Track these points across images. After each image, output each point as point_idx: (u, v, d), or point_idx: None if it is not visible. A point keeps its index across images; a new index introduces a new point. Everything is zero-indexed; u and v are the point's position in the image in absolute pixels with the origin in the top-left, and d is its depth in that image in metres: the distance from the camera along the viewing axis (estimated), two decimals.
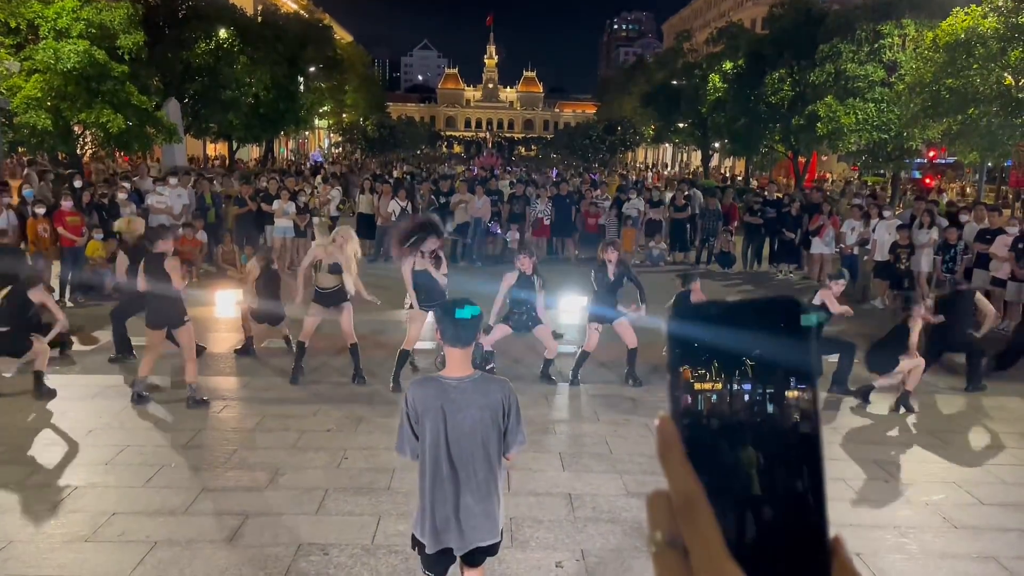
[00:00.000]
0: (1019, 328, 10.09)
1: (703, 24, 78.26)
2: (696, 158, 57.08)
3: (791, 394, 0.53)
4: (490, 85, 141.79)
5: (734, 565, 0.50)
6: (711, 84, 34.19)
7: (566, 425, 7.55)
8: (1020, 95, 18.51)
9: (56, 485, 5.87)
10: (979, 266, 12.11)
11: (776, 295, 0.55)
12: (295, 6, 56.73)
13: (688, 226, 18.42)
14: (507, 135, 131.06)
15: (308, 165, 41.65)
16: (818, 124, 24.51)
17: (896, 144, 24.72)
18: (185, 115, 28.19)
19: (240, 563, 4.85)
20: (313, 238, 14.04)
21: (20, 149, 22.35)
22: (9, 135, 18.79)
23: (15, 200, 12.57)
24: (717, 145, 42.33)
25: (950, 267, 12.62)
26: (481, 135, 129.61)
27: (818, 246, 15.40)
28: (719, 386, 0.54)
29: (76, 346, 9.51)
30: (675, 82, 44.33)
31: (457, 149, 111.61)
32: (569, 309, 10.77)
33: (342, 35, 66.27)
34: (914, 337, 8.07)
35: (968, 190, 37.37)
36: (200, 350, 9.08)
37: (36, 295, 7.84)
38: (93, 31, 19.38)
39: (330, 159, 48.99)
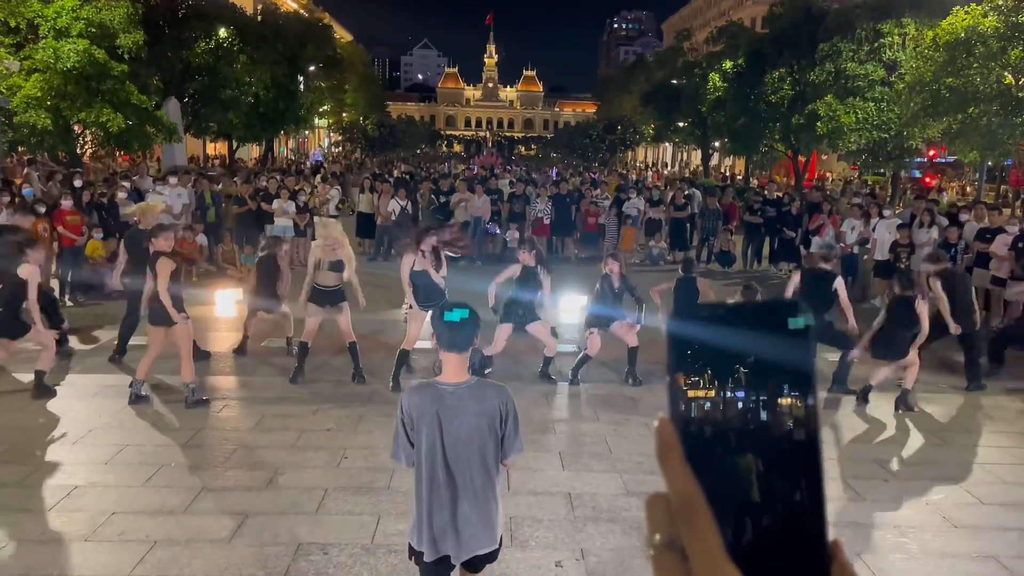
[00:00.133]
0: (1006, 328, 10.10)
1: (703, 23, 78.25)
2: (696, 157, 57.08)
3: (785, 401, 0.52)
4: (490, 84, 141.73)
5: (733, 568, 0.50)
6: (711, 83, 34.18)
7: (566, 424, 7.55)
8: (1020, 94, 18.50)
9: (56, 484, 5.87)
10: (979, 265, 12.11)
11: (774, 298, 0.55)
12: (295, 5, 56.74)
13: (688, 225, 18.42)
14: (507, 134, 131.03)
15: (308, 164, 41.66)
16: (818, 123, 24.50)
17: (896, 143, 24.72)
18: (185, 114, 28.18)
19: (240, 562, 4.85)
20: (313, 238, 14.04)
21: (20, 148, 22.35)
22: (9, 134, 18.78)
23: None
24: (717, 144, 42.31)
25: None
26: (481, 134, 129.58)
27: (818, 245, 15.39)
28: (712, 393, 0.53)
29: (76, 345, 9.51)
30: (675, 81, 44.31)
31: (457, 148, 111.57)
32: (569, 309, 10.77)
33: (342, 34, 66.25)
34: (925, 324, 8.01)
35: (968, 189, 37.36)
36: (205, 355, 9.08)
37: (25, 271, 7.60)
38: (93, 30, 19.37)
39: (330, 158, 48.99)
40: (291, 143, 60.89)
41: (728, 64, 32.89)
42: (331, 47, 42.69)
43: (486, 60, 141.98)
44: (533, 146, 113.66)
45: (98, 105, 19.30)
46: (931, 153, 36.26)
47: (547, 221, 18.00)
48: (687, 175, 42.37)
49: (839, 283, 8.66)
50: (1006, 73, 18.83)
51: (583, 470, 6.41)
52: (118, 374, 8.51)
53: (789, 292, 8.57)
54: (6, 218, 11.72)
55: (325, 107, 44.88)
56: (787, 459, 0.52)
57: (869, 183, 36.21)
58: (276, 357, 9.38)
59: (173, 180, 15.32)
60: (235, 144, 36.71)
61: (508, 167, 46.59)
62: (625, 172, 47.90)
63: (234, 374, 8.84)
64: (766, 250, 17.55)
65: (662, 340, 0.56)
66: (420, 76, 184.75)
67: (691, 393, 0.54)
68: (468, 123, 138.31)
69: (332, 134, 61.51)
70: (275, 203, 15.51)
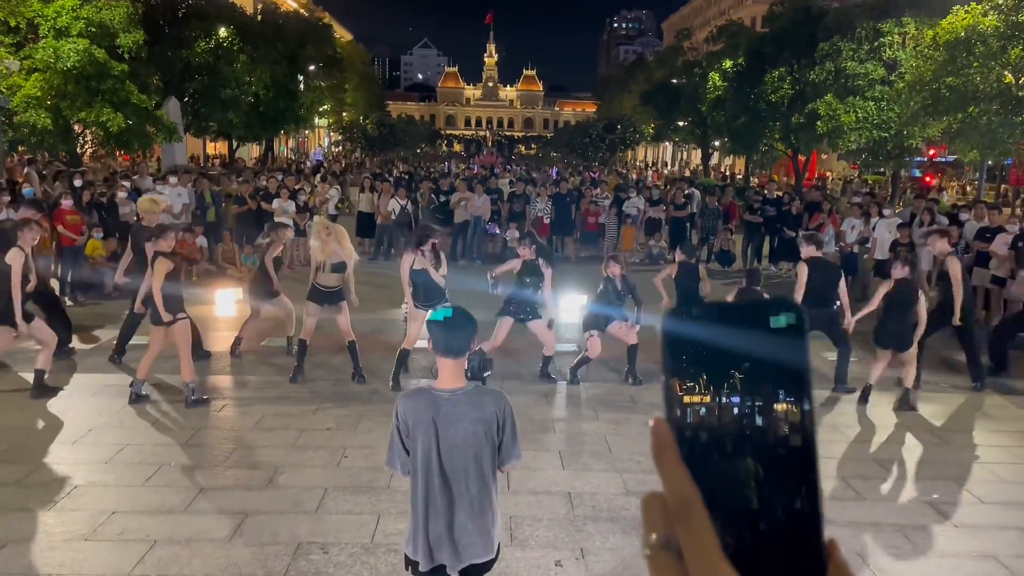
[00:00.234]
0: (999, 325, 10.07)
1: (703, 22, 78.22)
2: (696, 156, 57.06)
3: (781, 406, 0.52)
4: (490, 84, 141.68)
5: (729, 567, 0.50)
6: (711, 82, 34.16)
7: (566, 423, 7.55)
8: (1020, 93, 18.50)
9: (56, 484, 5.87)
10: (979, 264, 12.10)
11: (768, 297, 0.55)
12: (295, 5, 56.74)
13: (688, 225, 18.42)
14: (507, 134, 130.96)
15: (308, 164, 41.64)
16: (818, 122, 24.49)
17: (896, 142, 24.71)
18: (185, 114, 28.17)
19: (239, 562, 4.85)
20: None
21: (20, 148, 22.34)
22: (9, 134, 18.78)
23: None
24: (717, 143, 42.31)
25: None
26: (481, 134, 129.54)
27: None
28: (708, 399, 0.53)
29: (77, 345, 9.51)
30: (675, 80, 44.29)
31: (457, 148, 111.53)
32: (569, 308, 10.77)
33: (342, 34, 66.19)
34: (922, 311, 7.98)
35: (968, 189, 37.36)
36: (205, 354, 9.09)
37: (10, 255, 7.50)
38: (93, 30, 19.36)
39: (330, 157, 48.99)
40: (291, 143, 60.88)
41: (728, 63, 32.88)
42: (331, 46, 42.70)
43: (486, 59, 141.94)
44: (533, 145, 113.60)
45: (98, 105, 19.29)
46: (931, 152, 36.25)
47: (547, 220, 18.00)
48: (686, 174, 42.36)
49: (840, 280, 8.71)
50: (1006, 72, 18.82)
51: (583, 469, 6.41)
52: (118, 373, 8.51)
53: (801, 283, 8.52)
54: (6, 217, 11.72)
55: (325, 106, 44.88)
56: (783, 462, 0.52)
57: (869, 182, 36.21)
58: (276, 356, 9.38)
59: (173, 180, 15.32)
60: (235, 144, 36.71)
61: (508, 166, 46.60)
62: (625, 172, 47.91)
63: (234, 373, 8.84)
64: (766, 249, 17.55)
65: (661, 339, 0.57)
66: (420, 76, 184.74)
67: (687, 399, 0.54)
68: (468, 122, 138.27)
69: (332, 133, 61.51)
70: (275, 202, 15.51)
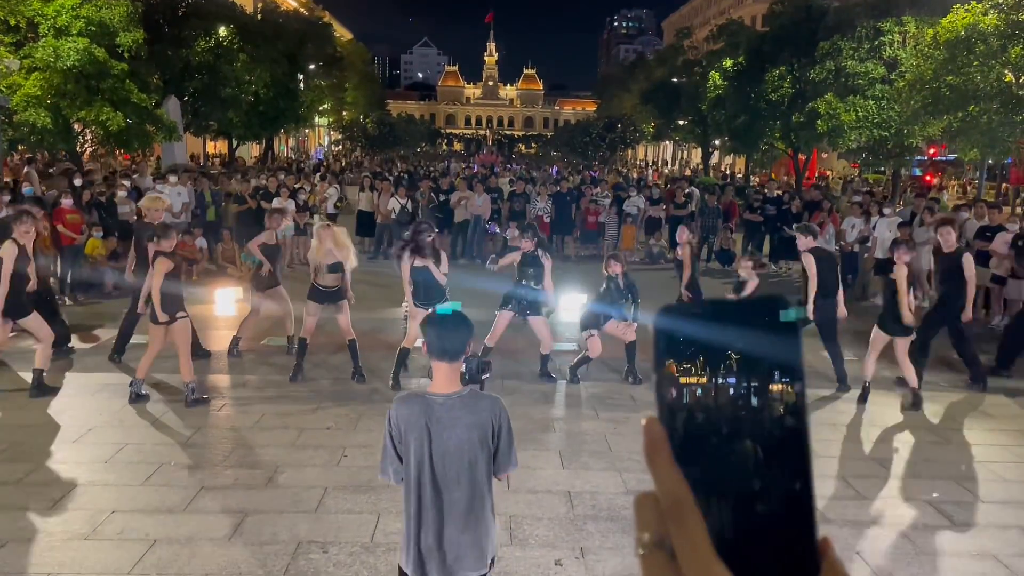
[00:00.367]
0: (1012, 325, 10.05)
1: (703, 21, 78.18)
2: (696, 155, 57.03)
3: (776, 387, 0.52)
4: (490, 83, 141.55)
5: (722, 567, 0.50)
6: (711, 81, 34.11)
7: (565, 423, 7.55)
8: (1020, 92, 18.47)
9: (56, 483, 5.87)
10: (979, 263, 12.10)
11: (761, 294, 0.55)
12: (295, 4, 56.66)
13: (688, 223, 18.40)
14: (507, 133, 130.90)
15: (309, 163, 41.65)
16: (818, 121, 24.47)
17: (896, 141, 24.68)
18: (185, 113, 28.15)
19: (239, 561, 4.85)
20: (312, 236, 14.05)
21: (20, 147, 22.33)
22: (9, 133, 18.75)
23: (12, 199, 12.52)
24: (717, 142, 42.28)
25: None
26: (481, 133, 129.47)
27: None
28: (704, 380, 0.53)
29: (76, 344, 9.51)
30: (675, 79, 44.27)
31: (457, 147, 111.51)
32: (569, 308, 10.77)
33: (342, 33, 66.18)
34: (903, 288, 7.91)
35: (968, 188, 37.34)
36: (205, 353, 9.09)
37: (3, 248, 7.51)
38: (93, 29, 19.32)
39: (330, 156, 48.99)
40: (291, 142, 60.87)
41: (728, 62, 32.84)
42: (331, 45, 42.65)
43: (486, 58, 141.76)
44: (533, 144, 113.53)
45: (98, 104, 19.27)
46: (931, 151, 36.23)
47: (547, 219, 18.00)
48: (687, 174, 42.35)
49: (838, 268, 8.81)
50: (1006, 71, 18.80)
51: (583, 468, 6.41)
52: (118, 373, 8.51)
53: (813, 273, 8.48)
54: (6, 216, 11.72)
55: (325, 105, 44.84)
56: (776, 449, 0.52)
57: (870, 181, 36.19)
58: (276, 356, 9.38)
59: (173, 179, 15.33)
60: (235, 143, 36.69)
61: (508, 166, 46.62)
62: (625, 171, 47.91)
63: (234, 373, 8.84)
64: (766, 248, 17.54)
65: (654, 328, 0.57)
66: (420, 75, 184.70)
67: (683, 380, 0.54)
68: (468, 121, 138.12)
69: (332, 132, 61.49)
70: (275, 201, 15.49)
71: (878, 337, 8.12)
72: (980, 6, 18.84)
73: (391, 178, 22.51)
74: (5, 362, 8.73)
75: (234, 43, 29.23)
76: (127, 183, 15.39)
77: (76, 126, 20.63)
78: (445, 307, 3.29)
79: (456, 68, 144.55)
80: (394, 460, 3.14)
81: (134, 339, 8.96)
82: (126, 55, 20.48)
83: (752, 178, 39.07)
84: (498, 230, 18.05)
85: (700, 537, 0.50)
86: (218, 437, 6.93)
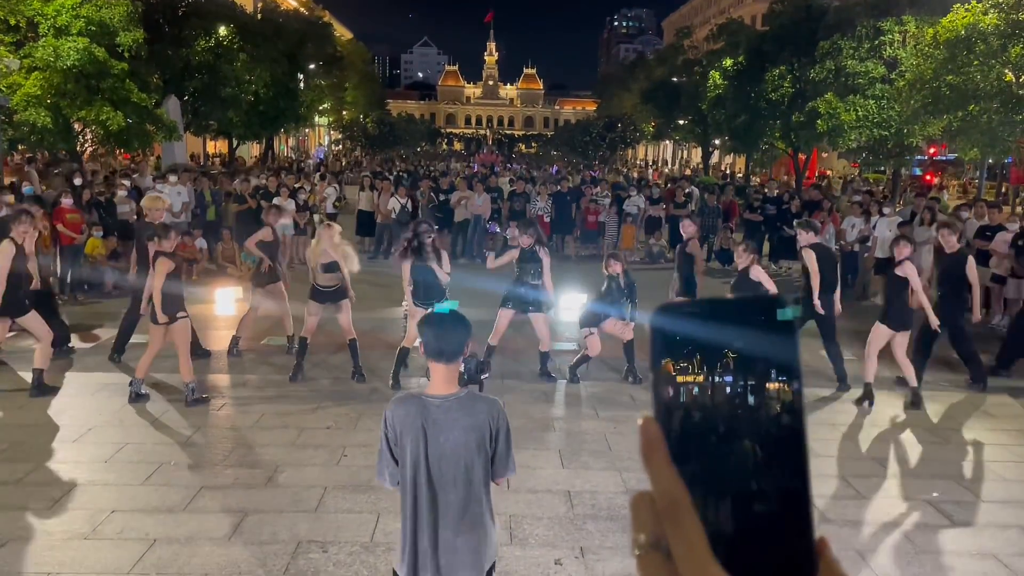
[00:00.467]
0: (1013, 325, 10.05)
1: (703, 21, 78.14)
2: (696, 155, 57.02)
3: (772, 386, 0.52)
4: (490, 82, 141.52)
5: (718, 567, 0.50)
6: (711, 81, 34.10)
7: (565, 422, 7.55)
8: (1020, 92, 18.47)
9: (55, 482, 5.87)
10: (979, 263, 12.10)
11: (757, 293, 0.55)
12: (295, 3, 56.64)
13: None
14: (507, 132, 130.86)
15: (310, 162, 41.64)
16: (818, 121, 24.45)
17: (896, 141, 24.67)
18: (185, 112, 28.13)
19: (239, 560, 4.85)
20: (312, 235, 14.06)
21: (20, 147, 22.32)
22: (9, 132, 18.75)
23: (12, 200, 12.52)
24: (717, 142, 42.26)
25: None
26: (481, 132, 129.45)
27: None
28: (700, 379, 0.53)
29: (76, 344, 9.51)
30: (675, 79, 44.25)
31: (457, 146, 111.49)
32: (569, 307, 10.77)
33: (342, 32, 66.14)
34: (917, 285, 7.93)
35: (968, 187, 37.34)
36: (205, 353, 9.09)
37: (1, 249, 7.49)
38: (93, 28, 19.32)
39: (330, 156, 49.01)
40: (291, 141, 60.86)
41: (728, 62, 32.83)
42: (331, 45, 42.63)
43: (486, 58, 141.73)
44: (533, 144, 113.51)
45: (98, 103, 19.27)
46: (931, 151, 36.22)
47: (547, 219, 18.00)
48: (687, 173, 42.33)
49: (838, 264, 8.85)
50: (1006, 71, 18.79)
51: (582, 468, 6.41)
52: (118, 372, 8.51)
53: (815, 270, 8.47)
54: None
55: (325, 105, 44.83)
56: (773, 448, 0.52)
57: (871, 181, 36.17)
58: (275, 355, 9.38)
59: (173, 178, 15.33)
60: (235, 142, 36.68)
61: (508, 165, 46.63)
62: (626, 170, 47.91)
63: (234, 372, 8.84)
64: (766, 248, 17.53)
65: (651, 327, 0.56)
66: (420, 74, 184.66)
67: (680, 379, 0.54)
68: (468, 121, 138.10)
69: (332, 132, 61.49)
70: (275, 201, 15.50)
71: (879, 334, 8.09)
72: (980, 5, 18.83)
73: (391, 178, 22.52)
74: (5, 362, 8.74)
75: (234, 43, 29.22)
76: (127, 183, 15.39)
77: (76, 126, 20.63)
78: (443, 306, 3.26)
79: (456, 68, 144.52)
80: (390, 463, 3.08)
81: (134, 338, 8.97)
82: (126, 55, 20.48)
83: (753, 178, 39.05)
84: (499, 229, 18.04)
85: (696, 538, 0.50)
86: (218, 437, 6.94)
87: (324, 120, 53.67)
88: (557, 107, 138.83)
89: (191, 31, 28.02)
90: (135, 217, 12.49)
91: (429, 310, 3.51)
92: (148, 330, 7.74)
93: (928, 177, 37.25)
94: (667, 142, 67.49)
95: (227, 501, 5.64)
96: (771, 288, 8.41)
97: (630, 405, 8.00)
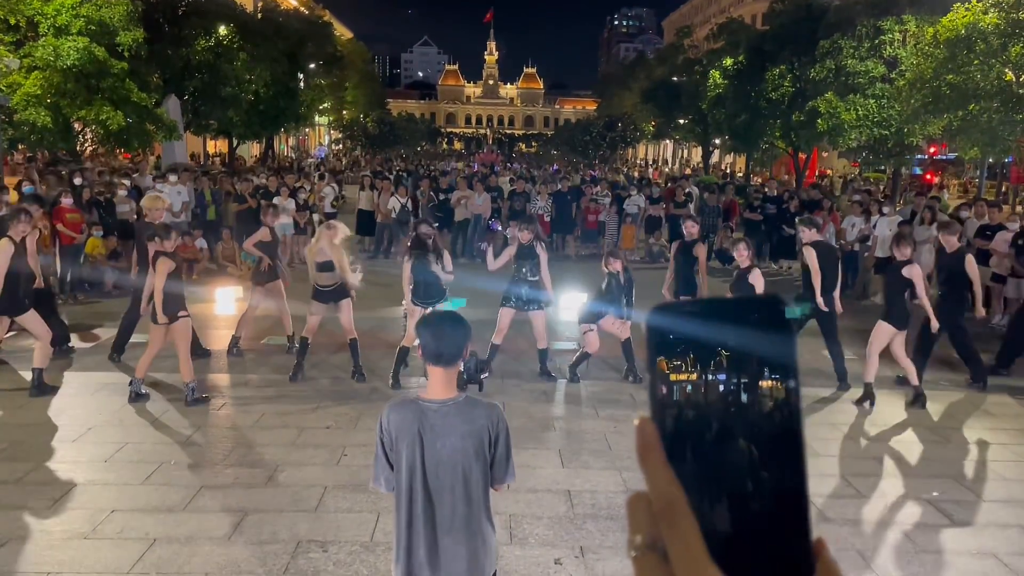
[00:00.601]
0: (1013, 324, 10.04)
1: (703, 20, 78.13)
2: (696, 154, 57.02)
3: (770, 386, 0.52)
4: (490, 81, 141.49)
5: (715, 569, 0.49)
6: (711, 80, 34.09)
7: (565, 421, 7.54)
8: (1021, 91, 18.47)
9: (55, 482, 5.87)
10: (979, 262, 12.09)
11: (759, 294, 0.55)
12: (295, 3, 56.62)
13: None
14: (507, 131, 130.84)
15: (310, 162, 41.63)
16: (818, 120, 24.45)
17: (896, 140, 24.67)
18: (185, 112, 28.14)
19: (239, 560, 4.85)
20: (312, 235, 14.07)
21: (20, 146, 22.33)
22: (9, 132, 18.75)
23: (13, 198, 12.53)
24: (717, 141, 42.27)
25: None
26: (481, 131, 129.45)
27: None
28: (697, 378, 0.53)
29: (76, 343, 9.51)
30: (675, 78, 44.23)
31: (457, 146, 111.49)
32: (570, 307, 10.77)
33: (342, 32, 66.15)
34: (921, 287, 7.94)
35: (968, 187, 37.34)
36: (205, 353, 9.10)
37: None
38: (93, 28, 19.33)
39: (331, 156, 49.01)
40: (291, 141, 60.86)
41: (728, 61, 32.82)
42: (331, 45, 42.62)
43: (486, 57, 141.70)
44: (534, 143, 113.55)
45: (98, 103, 19.28)
46: (932, 150, 36.23)
47: (547, 219, 17.99)
48: (687, 172, 42.33)
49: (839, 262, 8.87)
50: (1007, 70, 18.79)
51: (582, 467, 6.41)
52: (117, 372, 8.52)
53: (815, 268, 8.46)
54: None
55: (325, 105, 44.84)
56: (770, 449, 0.52)
57: (872, 180, 36.17)
58: (275, 355, 9.38)
59: (173, 178, 15.32)
60: (235, 142, 36.69)
61: (508, 164, 46.63)
62: (626, 170, 47.89)
63: (234, 372, 8.84)
64: (766, 248, 17.54)
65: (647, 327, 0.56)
66: (420, 73, 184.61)
67: (673, 376, 0.54)
68: (468, 120, 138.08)
69: (332, 132, 61.50)
70: (275, 201, 15.51)
71: (882, 333, 8.08)
72: (980, 5, 18.83)
73: (391, 177, 22.52)
74: (6, 361, 8.75)
75: (234, 42, 29.22)
76: (127, 182, 15.39)
77: (76, 125, 20.65)
78: (450, 304, 3.24)
79: (456, 67, 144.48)
80: (385, 468, 3.00)
81: (134, 338, 8.97)
82: (126, 54, 20.48)
83: (754, 178, 39.04)
84: (499, 227, 18.04)
85: (693, 539, 0.50)
86: (218, 436, 6.93)
87: (324, 120, 53.70)
88: (557, 106, 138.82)
89: (191, 30, 28.02)
90: (135, 217, 12.49)
91: (429, 309, 3.49)
92: (148, 330, 7.74)
93: (928, 176, 37.27)
94: (667, 141, 67.50)
95: (227, 501, 5.64)
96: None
97: (630, 404, 8.00)
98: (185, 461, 6.33)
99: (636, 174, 41.10)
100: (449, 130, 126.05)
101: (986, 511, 5.89)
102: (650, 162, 73.50)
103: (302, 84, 37.42)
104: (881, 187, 30.93)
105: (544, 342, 8.72)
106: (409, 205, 17.59)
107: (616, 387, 8.55)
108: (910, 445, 7.26)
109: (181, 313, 7.53)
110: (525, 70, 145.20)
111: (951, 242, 8.88)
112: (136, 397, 7.58)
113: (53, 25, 19.01)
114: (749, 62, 30.55)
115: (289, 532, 5.20)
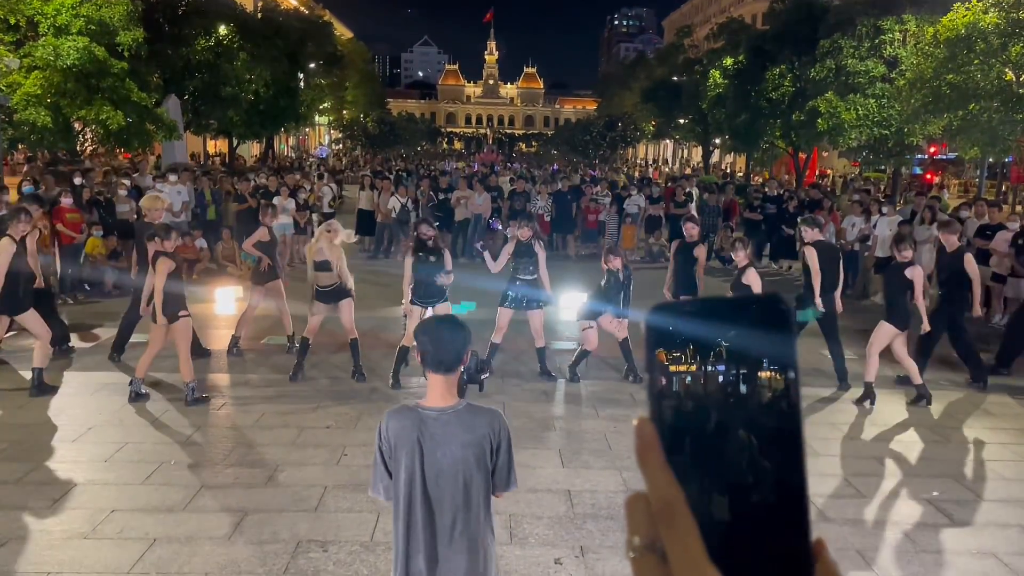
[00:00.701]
0: (1012, 324, 10.04)
1: (703, 20, 78.12)
2: (697, 154, 57.02)
3: (769, 385, 0.52)
4: (490, 81, 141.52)
5: (714, 569, 0.49)
6: (712, 80, 34.11)
7: (565, 421, 7.54)
8: (1021, 91, 18.48)
9: (55, 482, 5.87)
10: (979, 262, 12.09)
11: (760, 293, 0.55)
12: (295, 3, 56.65)
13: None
14: (507, 131, 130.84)
15: (311, 161, 41.63)
16: (819, 120, 24.46)
17: (897, 140, 24.68)
18: (185, 112, 28.15)
19: (239, 560, 4.85)
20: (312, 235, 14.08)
21: (20, 146, 22.34)
22: (9, 132, 18.76)
23: (14, 198, 12.53)
24: (718, 141, 42.27)
25: None
26: (482, 131, 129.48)
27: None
28: (695, 377, 0.53)
29: (76, 343, 9.51)
30: (676, 78, 44.28)
31: (458, 145, 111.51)
32: (570, 306, 10.76)
33: (342, 31, 66.18)
34: (919, 291, 7.95)
35: (968, 186, 37.34)
36: (205, 352, 9.10)
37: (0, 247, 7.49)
38: (93, 28, 19.33)
39: (331, 156, 49.02)
40: (291, 140, 60.88)
41: (729, 61, 32.83)
42: (331, 44, 42.65)
43: (487, 57, 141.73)
44: (534, 143, 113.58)
45: (98, 102, 19.29)
46: (932, 150, 36.21)
47: (548, 218, 17.99)
48: (687, 172, 42.35)
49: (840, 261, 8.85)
50: (1007, 69, 18.79)
51: (583, 467, 6.41)
52: (117, 372, 8.51)
53: (816, 268, 8.45)
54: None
55: (325, 104, 44.87)
56: (769, 449, 0.52)
57: (872, 180, 36.17)
58: (275, 355, 9.37)
59: (173, 178, 15.32)
60: (235, 142, 36.70)
61: (509, 164, 46.65)
62: (626, 170, 47.89)
63: (234, 372, 8.84)
64: (766, 247, 17.54)
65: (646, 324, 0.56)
66: (420, 73, 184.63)
67: (672, 368, 0.53)
68: (469, 120, 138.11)
69: (332, 131, 61.53)
70: (275, 200, 15.51)
71: (884, 332, 8.08)
72: (980, 4, 18.84)
73: (391, 177, 22.51)
74: (6, 361, 8.75)
75: (234, 42, 29.25)
76: (127, 182, 15.39)
77: (76, 125, 20.65)
78: (459, 308, 3.21)
79: (456, 67, 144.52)
80: (384, 476, 2.93)
81: (134, 338, 8.97)
82: (126, 54, 20.49)
83: (754, 177, 39.05)
84: (500, 226, 18.05)
85: (691, 539, 0.50)
86: (218, 436, 6.93)
87: (324, 119, 53.71)
88: (557, 106, 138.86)
89: (191, 30, 28.05)
90: (135, 217, 12.49)
91: (429, 309, 3.48)
92: (148, 329, 7.74)
93: (928, 176, 37.26)
94: (667, 141, 67.52)
95: (227, 500, 5.64)
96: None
97: (630, 404, 8.00)
98: (185, 461, 6.33)
99: (636, 174, 41.09)
100: (449, 130, 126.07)
101: (986, 511, 5.89)
102: (650, 162, 73.51)
103: (302, 84, 37.44)
104: (881, 187, 30.91)
105: (541, 341, 8.71)
106: (410, 205, 17.58)
107: (616, 387, 8.55)
108: (910, 445, 7.26)
109: (181, 313, 7.53)
110: (525, 70, 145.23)
111: (951, 241, 8.88)
112: (136, 397, 7.58)
113: (53, 25, 19.02)
114: (749, 62, 30.56)
115: (289, 532, 5.20)
